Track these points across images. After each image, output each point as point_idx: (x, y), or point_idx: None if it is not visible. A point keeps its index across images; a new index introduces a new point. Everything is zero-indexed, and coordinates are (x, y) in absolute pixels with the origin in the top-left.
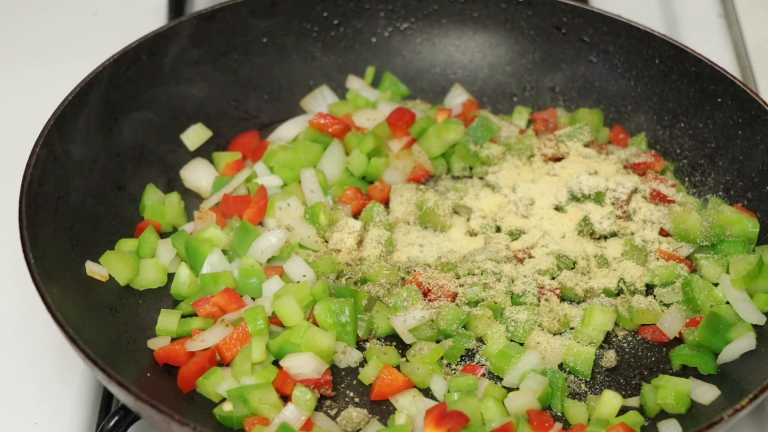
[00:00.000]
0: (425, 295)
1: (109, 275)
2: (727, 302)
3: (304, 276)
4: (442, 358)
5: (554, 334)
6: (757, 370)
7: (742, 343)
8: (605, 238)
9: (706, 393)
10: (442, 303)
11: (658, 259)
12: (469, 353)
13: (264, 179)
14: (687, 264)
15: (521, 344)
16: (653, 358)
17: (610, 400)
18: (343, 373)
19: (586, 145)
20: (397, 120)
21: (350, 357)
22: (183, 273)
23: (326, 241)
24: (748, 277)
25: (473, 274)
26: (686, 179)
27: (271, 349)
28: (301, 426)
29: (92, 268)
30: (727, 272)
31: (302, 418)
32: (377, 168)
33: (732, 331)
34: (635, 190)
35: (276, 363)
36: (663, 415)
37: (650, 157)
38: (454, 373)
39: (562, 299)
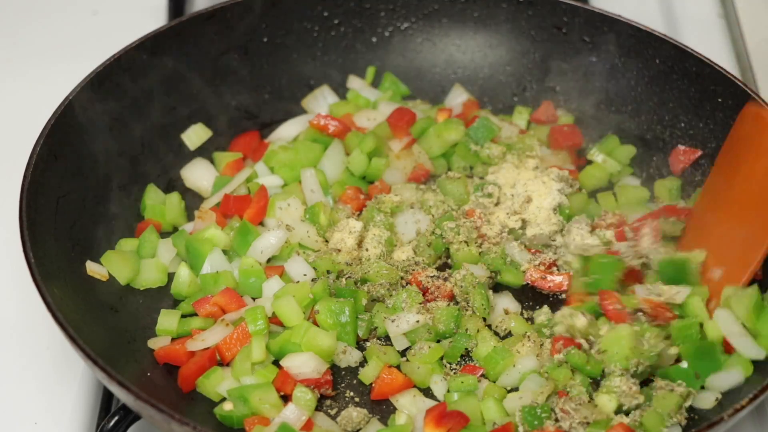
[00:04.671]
0: (424, 294)
1: (110, 275)
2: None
3: (305, 275)
4: (442, 358)
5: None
6: (757, 371)
7: (732, 376)
8: None
9: (708, 398)
10: (438, 304)
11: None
12: (469, 353)
13: (264, 179)
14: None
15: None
16: None
17: (606, 402)
18: (343, 372)
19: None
20: (397, 120)
21: (350, 357)
22: (183, 273)
23: (326, 241)
24: (755, 310)
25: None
26: (687, 179)
27: (271, 348)
28: (301, 426)
29: (93, 268)
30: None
31: (302, 418)
32: (377, 168)
33: (728, 362)
34: None
35: (276, 363)
36: None
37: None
38: (454, 373)
39: None
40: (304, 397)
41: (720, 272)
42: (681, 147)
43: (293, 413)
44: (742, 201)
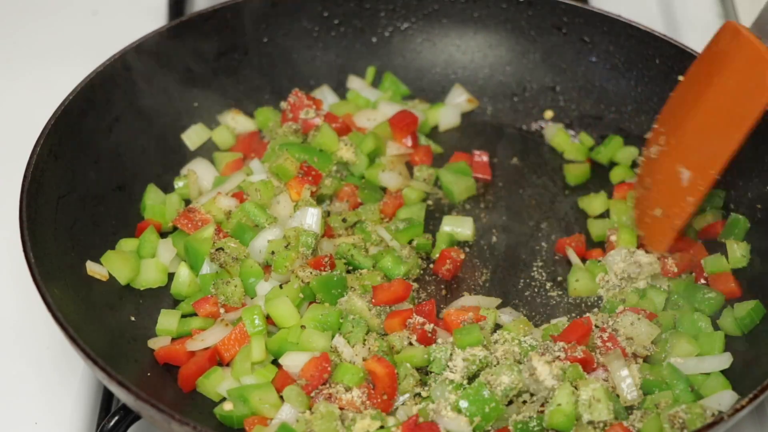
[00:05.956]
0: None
1: (110, 275)
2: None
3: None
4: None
5: None
6: (757, 370)
7: (720, 397)
8: None
9: (724, 398)
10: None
11: None
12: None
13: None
14: None
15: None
16: None
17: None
18: None
19: None
20: (399, 122)
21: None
22: (183, 273)
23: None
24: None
25: None
26: None
27: (269, 347)
28: None
29: (93, 268)
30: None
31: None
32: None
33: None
34: None
35: (276, 363)
36: None
37: None
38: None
39: None
40: (296, 395)
41: (688, 174)
42: None
43: (293, 413)
44: (709, 113)
